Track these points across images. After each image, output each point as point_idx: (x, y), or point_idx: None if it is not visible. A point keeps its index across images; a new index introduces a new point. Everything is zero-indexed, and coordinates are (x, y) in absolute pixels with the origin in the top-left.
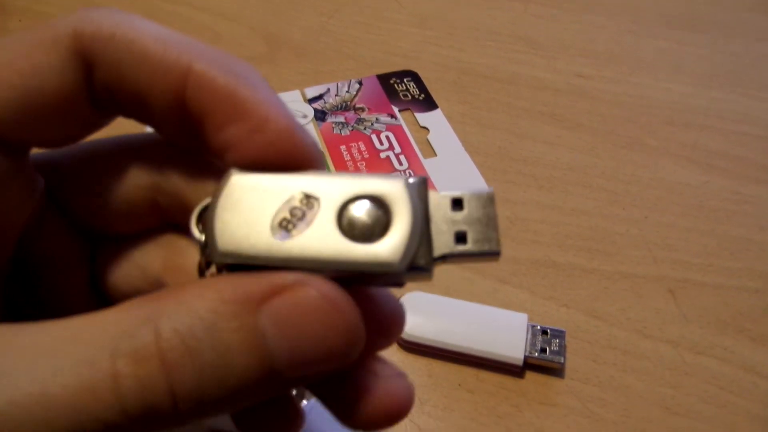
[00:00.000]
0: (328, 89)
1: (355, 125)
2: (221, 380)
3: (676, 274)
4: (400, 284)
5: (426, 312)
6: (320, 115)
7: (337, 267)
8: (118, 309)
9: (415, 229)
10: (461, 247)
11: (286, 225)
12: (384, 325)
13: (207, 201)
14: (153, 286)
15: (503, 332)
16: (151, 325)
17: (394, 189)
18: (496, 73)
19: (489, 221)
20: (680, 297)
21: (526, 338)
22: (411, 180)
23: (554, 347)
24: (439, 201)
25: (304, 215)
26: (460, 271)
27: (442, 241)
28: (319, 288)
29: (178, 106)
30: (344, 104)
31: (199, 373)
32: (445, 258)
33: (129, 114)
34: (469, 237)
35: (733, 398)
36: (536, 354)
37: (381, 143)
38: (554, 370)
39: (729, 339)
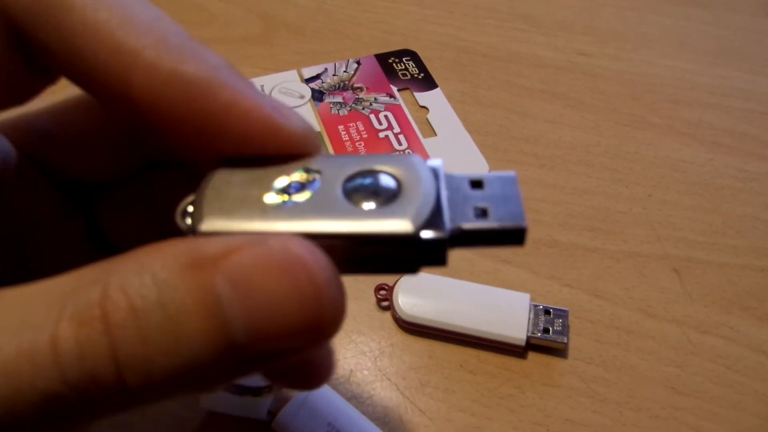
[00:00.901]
0: (326, 69)
1: (353, 105)
2: (171, 348)
3: (680, 253)
4: (412, 266)
5: (426, 292)
6: (318, 96)
7: (339, 232)
8: (74, 271)
9: (428, 196)
10: (482, 223)
11: (282, 193)
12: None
13: (191, 198)
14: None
15: (505, 312)
16: (99, 285)
17: (405, 163)
18: (496, 51)
19: (512, 198)
20: (685, 276)
21: (529, 318)
22: (425, 160)
23: (557, 327)
24: (456, 180)
25: (303, 187)
26: (460, 251)
27: (460, 214)
28: (283, 242)
29: (126, 99)
30: (342, 84)
31: (145, 337)
32: (463, 236)
33: (73, 82)
34: (491, 212)
35: (739, 377)
36: (539, 334)
37: (380, 123)
38: (557, 351)
39: (734, 318)
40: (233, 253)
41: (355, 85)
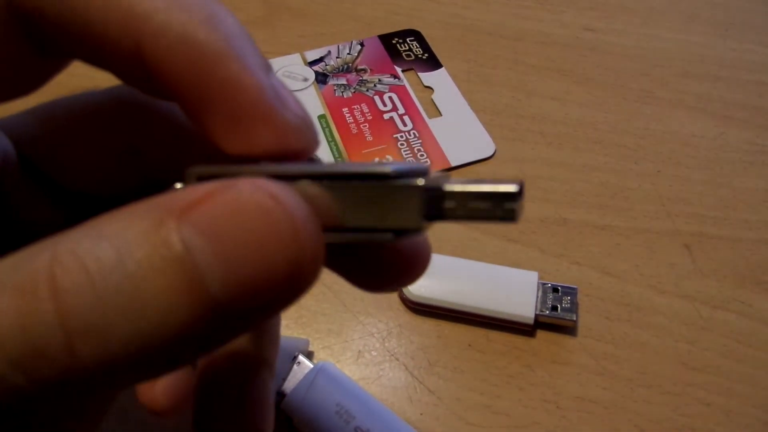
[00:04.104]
0: (329, 51)
1: (357, 87)
2: (134, 311)
3: (691, 228)
4: (386, 228)
5: (434, 272)
6: (321, 78)
7: (322, 175)
8: (26, 247)
9: (412, 163)
10: (470, 186)
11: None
12: (405, 258)
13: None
14: None
15: (513, 291)
16: (46, 252)
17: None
18: (501, 29)
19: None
20: (696, 251)
21: (537, 296)
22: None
23: (566, 305)
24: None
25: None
26: (467, 231)
27: (446, 184)
28: (253, 182)
29: (138, 67)
30: (346, 66)
31: (100, 301)
32: (443, 199)
33: (84, 61)
34: (483, 182)
35: (752, 352)
36: (547, 312)
37: (384, 104)
38: (566, 329)
39: (746, 292)
40: (200, 202)
41: (359, 67)
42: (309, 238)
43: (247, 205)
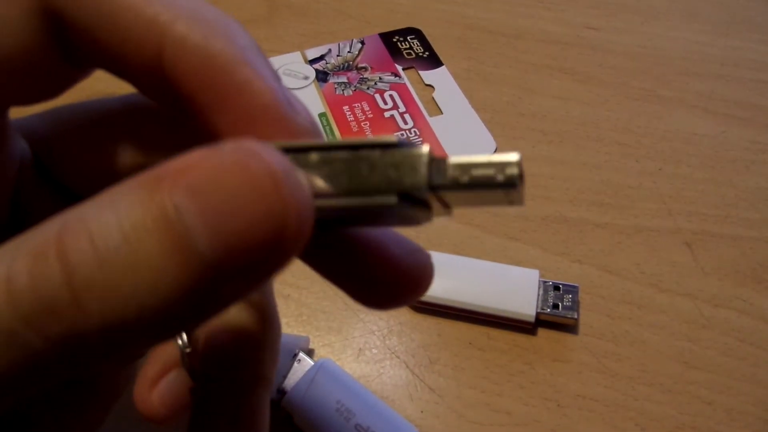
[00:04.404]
0: (330, 50)
1: (358, 85)
2: (131, 270)
3: (692, 227)
4: (389, 203)
5: (435, 270)
6: (322, 76)
7: (331, 145)
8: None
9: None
10: (473, 157)
11: None
12: (406, 276)
13: None
14: None
15: (514, 289)
16: (58, 221)
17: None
18: (502, 27)
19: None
20: (697, 249)
21: (538, 294)
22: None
23: (567, 303)
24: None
25: None
26: (469, 229)
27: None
28: (236, 141)
29: (158, 74)
30: (346, 64)
31: (101, 259)
32: (453, 169)
33: (107, 69)
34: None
35: (753, 350)
36: (548, 310)
37: (385, 102)
38: (567, 327)
39: (748, 291)
40: (191, 166)
41: (360, 65)
42: (291, 193)
43: (228, 164)
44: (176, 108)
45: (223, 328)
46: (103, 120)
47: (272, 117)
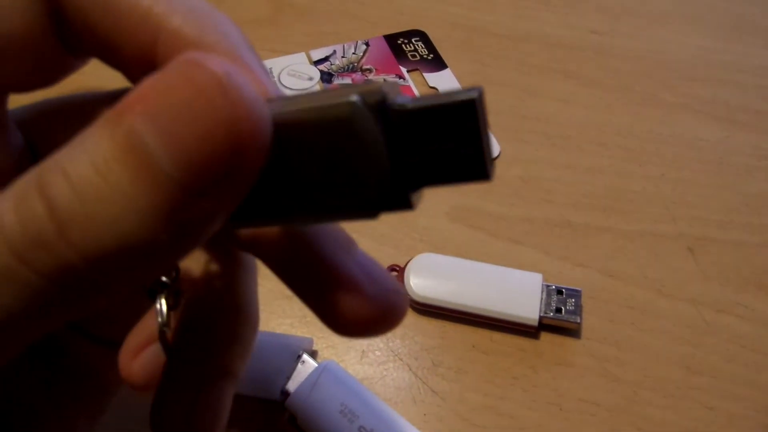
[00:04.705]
0: (334, 51)
1: None
2: (106, 198)
3: (695, 232)
4: (355, 174)
5: (438, 273)
6: (327, 78)
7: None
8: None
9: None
10: (424, 101)
11: None
12: (372, 319)
13: None
14: None
15: (517, 292)
16: (36, 168)
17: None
18: (506, 30)
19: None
20: (699, 255)
21: (541, 298)
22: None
23: (570, 307)
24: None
25: None
26: (472, 232)
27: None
28: (180, 56)
29: (150, 65)
30: (351, 66)
31: (79, 194)
32: (405, 122)
33: (102, 58)
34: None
35: (754, 356)
36: (551, 314)
37: None
38: (570, 331)
39: (750, 296)
40: (143, 92)
41: (364, 67)
42: (240, 94)
43: (175, 79)
44: None
45: (197, 314)
46: (92, 111)
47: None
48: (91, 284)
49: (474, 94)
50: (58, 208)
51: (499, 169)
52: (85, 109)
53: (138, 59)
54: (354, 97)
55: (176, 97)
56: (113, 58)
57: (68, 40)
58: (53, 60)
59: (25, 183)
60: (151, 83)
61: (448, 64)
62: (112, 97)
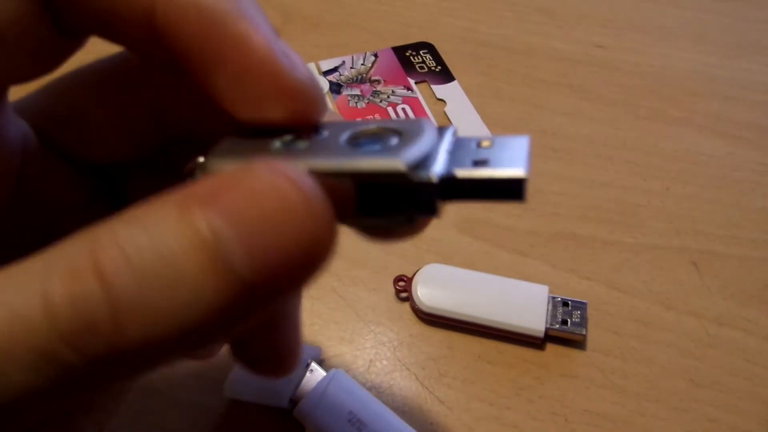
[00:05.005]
0: (343, 62)
1: (370, 98)
2: (170, 290)
3: (699, 246)
4: (402, 211)
5: (445, 284)
6: (335, 88)
7: (331, 168)
8: (63, 240)
9: (426, 143)
10: (477, 171)
11: (288, 141)
12: (277, 356)
13: (199, 159)
14: None
15: (524, 304)
16: (87, 240)
17: (413, 122)
18: (513, 44)
19: (517, 151)
20: (703, 269)
21: (547, 310)
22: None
23: (575, 319)
24: (465, 141)
25: (310, 138)
26: (479, 243)
27: (457, 162)
28: (267, 164)
29: (152, 35)
30: (360, 77)
31: (141, 281)
32: (456, 184)
33: (99, 34)
34: (490, 162)
35: (758, 370)
36: (557, 326)
37: (397, 116)
38: (575, 343)
39: (753, 311)
40: (223, 188)
41: (373, 78)
42: (324, 218)
43: (265, 189)
44: (170, 68)
45: None
46: (107, 78)
47: (269, 71)
48: (135, 365)
49: (521, 172)
50: (116, 293)
51: None
52: (98, 80)
53: (136, 27)
54: (401, 218)
55: (263, 207)
56: (110, 29)
57: (61, 19)
58: (48, 45)
59: (77, 253)
60: (232, 182)
61: (455, 77)
62: (114, 65)
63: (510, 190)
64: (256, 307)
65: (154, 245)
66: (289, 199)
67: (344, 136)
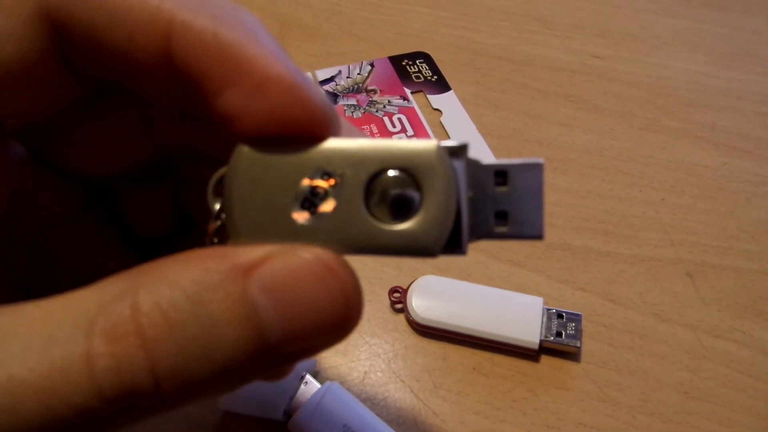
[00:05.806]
0: (340, 71)
1: (367, 108)
2: (208, 356)
3: (694, 257)
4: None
5: (440, 295)
6: (332, 98)
7: (364, 250)
8: (95, 285)
9: (449, 208)
10: (500, 229)
11: (308, 206)
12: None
13: (223, 171)
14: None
15: (518, 316)
16: (128, 300)
17: (425, 158)
18: (510, 53)
19: (533, 200)
20: (698, 280)
21: (542, 322)
22: (445, 144)
23: (570, 331)
24: (481, 173)
25: (326, 195)
26: (474, 254)
27: (480, 220)
28: (314, 252)
29: (165, 66)
30: (356, 86)
31: (182, 348)
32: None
33: (114, 79)
34: (510, 218)
35: (752, 382)
36: (552, 338)
37: (393, 126)
38: (570, 354)
39: (748, 322)
40: (265, 262)
41: (369, 88)
42: (356, 303)
43: (307, 273)
44: (183, 102)
45: None
46: (93, 95)
47: (285, 87)
48: (163, 412)
49: (540, 233)
50: (157, 357)
51: None
52: (90, 115)
53: (151, 60)
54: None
55: (305, 290)
56: (124, 71)
57: (73, 61)
58: (56, 87)
59: (120, 313)
60: (278, 258)
61: (451, 86)
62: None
63: (530, 239)
64: (280, 364)
65: (196, 312)
66: (329, 288)
67: (361, 201)
